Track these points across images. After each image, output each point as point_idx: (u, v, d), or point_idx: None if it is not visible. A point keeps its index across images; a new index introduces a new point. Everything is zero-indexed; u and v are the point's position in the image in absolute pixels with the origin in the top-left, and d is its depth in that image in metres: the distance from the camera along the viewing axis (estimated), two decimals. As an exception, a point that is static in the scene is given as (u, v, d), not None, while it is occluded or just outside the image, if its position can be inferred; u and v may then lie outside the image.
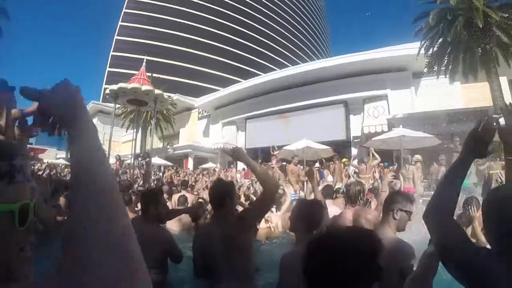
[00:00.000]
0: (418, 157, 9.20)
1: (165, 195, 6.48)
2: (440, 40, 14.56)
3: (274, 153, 12.96)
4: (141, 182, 9.22)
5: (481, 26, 12.47)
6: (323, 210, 2.35)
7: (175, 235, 3.82)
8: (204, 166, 21.77)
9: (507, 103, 1.73)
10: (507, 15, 13.14)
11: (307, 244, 1.08)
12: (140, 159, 13.42)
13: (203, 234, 2.63)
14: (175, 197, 6.80)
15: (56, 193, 4.71)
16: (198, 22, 69.07)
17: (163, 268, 2.83)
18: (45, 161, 16.48)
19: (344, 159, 12.80)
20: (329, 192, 5.12)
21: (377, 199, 3.98)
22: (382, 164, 11.53)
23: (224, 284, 2.19)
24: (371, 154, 9.51)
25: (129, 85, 11.16)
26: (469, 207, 3.69)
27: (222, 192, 2.40)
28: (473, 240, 3.25)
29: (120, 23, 67.51)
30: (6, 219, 0.63)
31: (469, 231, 3.59)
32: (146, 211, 2.95)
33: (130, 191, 6.12)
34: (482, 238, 3.34)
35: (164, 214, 3.17)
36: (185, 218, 5.31)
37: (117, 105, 13.35)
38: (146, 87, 11.17)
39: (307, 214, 2.25)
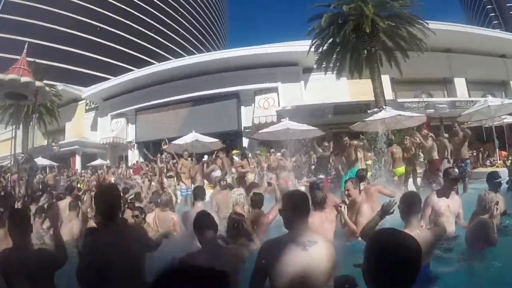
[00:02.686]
0: (284, 151, 10.14)
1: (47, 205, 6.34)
2: (330, 40, 15.49)
3: (165, 147, 12.61)
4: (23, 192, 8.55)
5: (368, 31, 13.58)
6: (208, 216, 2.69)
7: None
8: (94, 163, 20.42)
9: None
10: (394, 23, 14.61)
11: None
12: (19, 164, 11.48)
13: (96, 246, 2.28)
14: (63, 203, 6.34)
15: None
16: (90, 3, 61.73)
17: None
18: None
19: (234, 151, 12.77)
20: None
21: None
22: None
23: None
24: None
25: (6, 76, 9.41)
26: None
27: (112, 205, 2.30)
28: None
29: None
30: None
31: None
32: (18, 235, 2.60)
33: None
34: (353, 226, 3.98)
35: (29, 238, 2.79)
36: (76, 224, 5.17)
37: (-6, 99, 11.83)
38: (25, 79, 9.48)
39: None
